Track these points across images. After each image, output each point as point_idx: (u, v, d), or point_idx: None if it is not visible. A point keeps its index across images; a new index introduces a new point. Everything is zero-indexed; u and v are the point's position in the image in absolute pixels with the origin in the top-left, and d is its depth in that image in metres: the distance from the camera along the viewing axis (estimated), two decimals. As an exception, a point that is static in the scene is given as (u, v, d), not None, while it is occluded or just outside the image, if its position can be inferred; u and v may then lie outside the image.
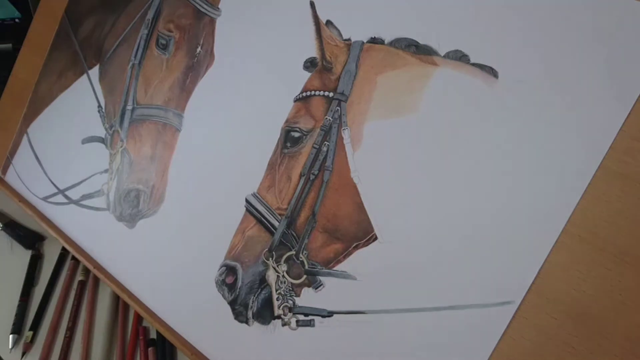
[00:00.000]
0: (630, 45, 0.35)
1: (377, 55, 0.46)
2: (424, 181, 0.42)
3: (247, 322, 0.50)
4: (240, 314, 0.51)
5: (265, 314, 0.49)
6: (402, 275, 0.42)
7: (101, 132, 0.67)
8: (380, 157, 0.45)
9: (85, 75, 0.70)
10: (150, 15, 0.64)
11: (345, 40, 0.48)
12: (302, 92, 0.50)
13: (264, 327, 0.49)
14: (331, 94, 0.48)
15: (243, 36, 0.56)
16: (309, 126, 0.49)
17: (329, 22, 0.50)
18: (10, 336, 0.65)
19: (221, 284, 0.52)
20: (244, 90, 0.55)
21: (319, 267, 0.46)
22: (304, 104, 0.50)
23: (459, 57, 0.42)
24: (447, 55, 0.42)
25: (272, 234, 0.49)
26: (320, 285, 0.46)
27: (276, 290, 0.49)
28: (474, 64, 0.41)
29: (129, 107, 0.64)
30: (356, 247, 0.45)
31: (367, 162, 0.45)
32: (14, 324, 0.66)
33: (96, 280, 0.70)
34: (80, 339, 0.65)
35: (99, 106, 0.68)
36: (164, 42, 0.62)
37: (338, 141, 0.47)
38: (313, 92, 0.49)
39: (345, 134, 0.46)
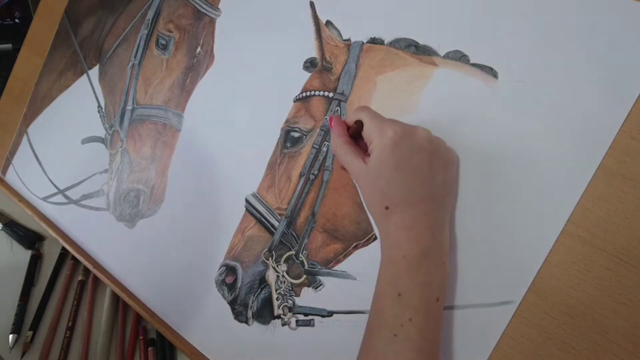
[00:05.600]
0: (630, 45, 0.35)
1: (376, 56, 0.46)
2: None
3: (247, 322, 0.50)
4: (240, 314, 0.51)
5: (265, 314, 0.49)
6: (402, 275, 0.42)
7: (101, 132, 0.67)
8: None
9: (85, 75, 0.70)
10: (150, 15, 0.64)
11: (345, 40, 0.48)
12: (302, 92, 0.50)
13: (263, 327, 0.49)
14: (331, 94, 0.48)
15: (243, 36, 0.56)
16: (309, 126, 0.49)
17: (329, 23, 0.50)
18: (10, 336, 0.65)
19: (221, 283, 0.52)
20: (244, 91, 0.55)
21: (319, 267, 0.46)
22: (303, 104, 0.50)
23: (458, 57, 0.42)
24: (447, 56, 0.42)
25: (272, 233, 0.50)
26: (320, 285, 0.46)
27: (276, 290, 0.49)
28: (474, 64, 0.41)
29: (129, 107, 0.64)
30: (356, 247, 0.45)
31: (367, 162, 0.45)
32: (14, 324, 0.66)
33: (96, 280, 0.70)
34: (80, 338, 0.65)
35: (99, 106, 0.68)
36: (163, 42, 0.62)
37: (338, 141, 0.47)
38: (313, 92, 0.49)
39: (345, 134, 0.46)
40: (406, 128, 0.38)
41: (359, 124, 0.40)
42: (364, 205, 0.44)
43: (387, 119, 0.39)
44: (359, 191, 0.44)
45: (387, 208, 0.37)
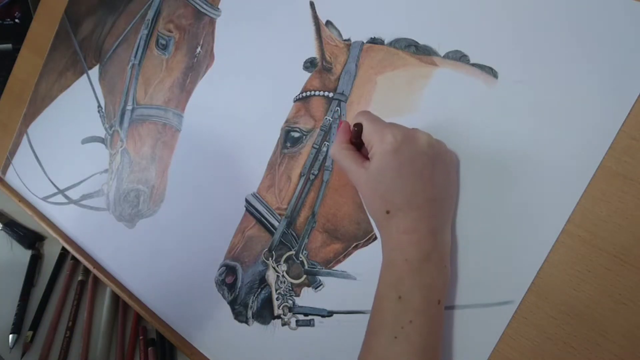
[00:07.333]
0: (630, 45, 0.35)
1: (376, 56, 0.46)
2: (424, 181, 0.42)
3: (247, 322, 0.50)
4: (240, 314, 0.51)
5: (265, 314, 0.49)
6: (402, 275, 0.42)
7: (101, 132, 0.67)
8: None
9: (85, 75, 0.70)
10: (150, 15, 0.64)
11: (345, 40, 0.48)
12: (302, 92, 0.50)
13: (263, 327, 0.49)
14: (331, 94, 0.48)
15: (243, 36, 0.56)
16: (309, 126, 0.49)
17: (329, 23, 0.50)
18: (10, 336, 0.65)
19: (221, 284, 0.52)
20: (244, 91, 0.55)
21: (319, 267, 0.46)
22: (303, 104, 0.50)
23: (458, 57, 0.42)
24: (447, 56, 0.42)
25: (272, 233, 0.50)
26: (320, 285, 0.46)
27: (276, 290, 0.49)
28: (473, 64, 0.41)
29: (129, 107, 0.64)
30: (356, 247, 0.45)
31: (367, 162, 0.45)
32: (13, 324, 0.66)
33: (96, 280, 0.70)
34: (80, 338, 0.65)
35: (99, 106, 0.68)
36: (163, 42, 0.62)
37: (338, 141, 0.47)
38: (313, 92, 0.49)
39: (345, 134, 0.46)
40: (406, 133, 0.38)
41: (359, 127, 0.40)
42: (365, 208, 0.44)
43: (387, 124, 0.39)
44: (360, 195, 0.44)
45: (388, 212, 0.37)
